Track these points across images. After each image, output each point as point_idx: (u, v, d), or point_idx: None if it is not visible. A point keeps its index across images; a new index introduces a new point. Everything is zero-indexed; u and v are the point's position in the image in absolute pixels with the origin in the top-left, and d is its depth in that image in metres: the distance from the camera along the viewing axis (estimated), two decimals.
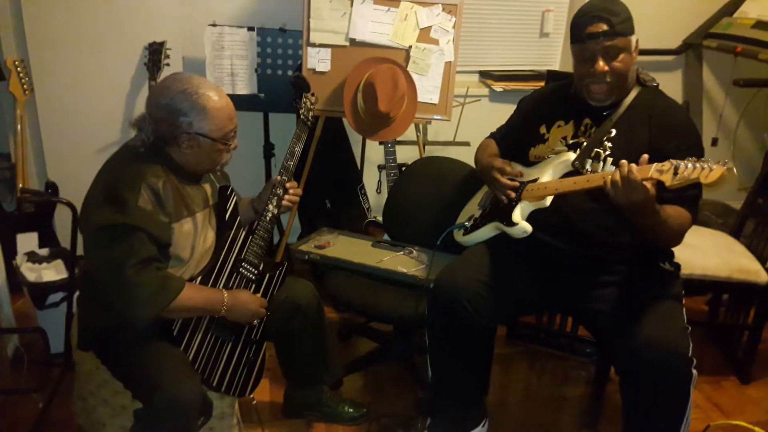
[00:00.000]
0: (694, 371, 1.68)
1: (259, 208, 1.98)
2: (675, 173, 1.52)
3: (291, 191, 2.00)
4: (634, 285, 1.86)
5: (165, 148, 1.70)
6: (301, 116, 2.15)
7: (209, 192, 1.85)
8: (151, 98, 1.70)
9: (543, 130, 2.01)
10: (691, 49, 3.62)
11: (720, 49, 3.32)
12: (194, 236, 1.75)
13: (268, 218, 1.95)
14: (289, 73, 2.91)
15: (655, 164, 1.57)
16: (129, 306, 1.61)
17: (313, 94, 2.24)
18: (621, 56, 1.80)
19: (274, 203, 1.96)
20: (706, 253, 2.47)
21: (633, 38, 1.81)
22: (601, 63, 1.80)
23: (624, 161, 1.60)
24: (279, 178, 1.98)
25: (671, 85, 3.71)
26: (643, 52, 1.91)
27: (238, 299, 1.80)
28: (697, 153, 1.80)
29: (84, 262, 1.82)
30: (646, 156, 1.61)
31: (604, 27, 1.77)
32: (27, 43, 2.73)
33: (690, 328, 1.76)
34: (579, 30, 1.82)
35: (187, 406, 1.59)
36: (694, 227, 1.83)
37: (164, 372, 1.62)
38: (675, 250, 1.94)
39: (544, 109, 2.05)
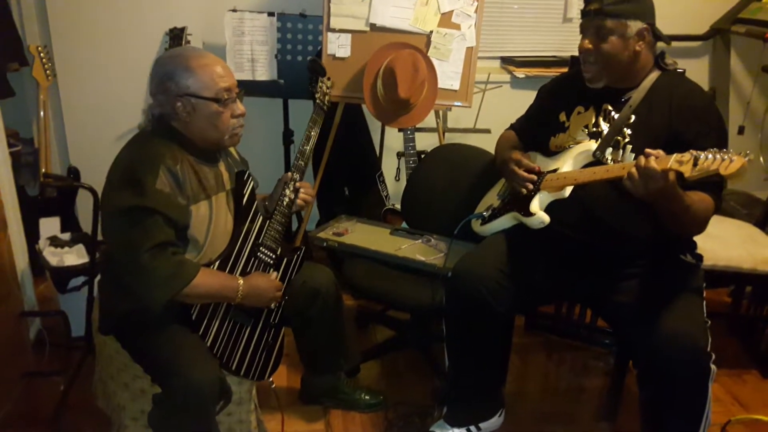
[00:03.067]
0: (713, 366, 1.65)
1: (270, 207, 1.97)
2: (695, 164, 1.49)
3: (302, 191, 1.98)
4: (653, 278, 1.84)
5: (171, 123, 1.71)
6: (317, 101, 2.14)
7: (225, 176, 1.85)
8: (150, 76, 1.72)
9: (563, 117, 1.98)
10: (719, 35, 3.54)
11: (748, 34, 3.25)
12: (209, 219, 1.76)
13: (285, 203, 1.95)
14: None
15: (674, 155, 1.53)
16: (144, 289, 1.62)
17: (328, 78, 2.23)
18: (611, 38, 1.78)
19: (291, 188, 1.96)
20: (730, 243, 2.42)
21: (632, 23, 1.77)
22: (585, 41, 1.83)
23: (641, 156, 1.57)
24: (290, 175, 1.97)
25: (698, 71, 3.64)
26: (669, 38, 1.87)
27: (254, 285, 1.80)
28: (719, 138, 1.77)
29: (104, 246, 1.83)
30: (661, 152, 1.57)
31: (596, 5, 1.79)
32: (50, 29, 2.75)
33: (709, 323, 1.74)
34: (582, 7, 1.86)
35: (205, 390, 1.61)
36: (718, 217, 1.80)
37: (182, 357, 1.63)
38: (698, 240, 1.90)
39: (563, 96, 2.02)
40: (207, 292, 1.71)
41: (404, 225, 2.62)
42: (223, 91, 1.69)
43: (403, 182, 2.79)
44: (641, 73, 1.86)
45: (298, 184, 1.98)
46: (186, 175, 1.68)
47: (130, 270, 1.63)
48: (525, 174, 1.95)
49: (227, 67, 1.73)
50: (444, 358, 2.05)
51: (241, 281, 1.77)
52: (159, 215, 1.60)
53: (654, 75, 1.85)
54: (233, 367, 1.80)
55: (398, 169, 3.32)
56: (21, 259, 2.43)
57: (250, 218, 1.87)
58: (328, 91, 2.20)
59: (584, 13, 1.84)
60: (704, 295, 1.84)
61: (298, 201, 1.98)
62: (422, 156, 2.81)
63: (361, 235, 2.42)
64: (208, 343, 1.75)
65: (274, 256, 1.92)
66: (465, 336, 1.96)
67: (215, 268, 1.77)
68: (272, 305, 1.90)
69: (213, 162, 1.81)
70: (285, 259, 1.96)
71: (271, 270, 1.92)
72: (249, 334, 1.86)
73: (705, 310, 1.78)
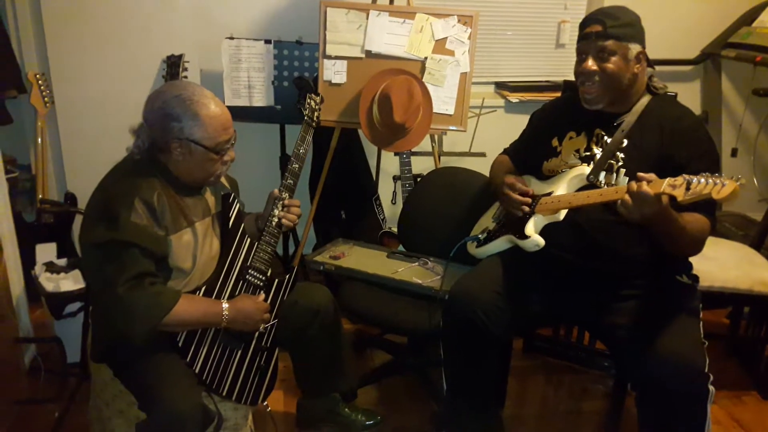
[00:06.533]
0: (711, 387, 1.65)
1: (261, 225, 1.96)
2: (687, 188, 1.51)
3: (292, 209, 1.98)
4: (650, 299, 1.84)
5: (159, 156, 1.70)
6: (306, 117, 2.14)
7: (211, 201, 1.85)
8: (148, 102, 1.70)
9: (555, 142, 2.00)
10: (710, 59, 3.58)
11: (739, 58, 3.29)
12: (194, 246, 1.75)
13: (273, 223, 1.94)
14: None
15: (667, 179, 1.55)
16: (123, 322, 1.62)
17: (318, 95, 2.23)
18: (613, 59, 1.81)
19: (279, 207, 1.96)
20: (727, 265, 2.43)
21: (632, 46, 1.81)
22: (589, 62, 1.84)
23: (633, 182, 1.58)
24: (277, 192, 1.97)
25: (690, 95, 3.67)
26: (661, 62, 1.91)
27: (240, 309, 1.78)
28: (711, 161, 1.79)
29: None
30: (653, 175, 1.59)
31: (598, 28, 1.82)
32: (48, 57, 2.77)
33: (707, 343, 1.73)
34: (579, 31, 1.89)
35: (185, 418, 1.59)
36: (714, 239, 1.81)
37: (164, 384, 1.62)
38: (694, 262, 1.91)
39: (555, 121, 2.05)
40: (189, 319, 1.69)
41: (401, 248, 2.63)
42: (224, 143, 1.71)
43: (400, 205, 2.80)
44: (634, 96, 1.88)
45: (287, 201, 1.98)
46: (164, 205, 1.67)
47: (109, 303, 1.63)
48: (519, 198, 1.96)
49: (229, 117, 1.73)
50: (442, 382, 2.04)
51: (225, 305, 1.75)
52: (135, 248, 1.60)
53: (645, 99, 1.88)
54: (224, 392, 1.79)
55: (394, 192, 3.33)
56: (16, 285, 2.42)
57: (237, 241, 1.87)
58: (317, 107, 2.19)
59: (584, 36, 1.86)
60: (701, 315, 1.84)
61: (284, 221, 1.96)
62: (418, 179, 2.83)
63: (358, 258, 2.42)
64: (197, 369, 1.73)
65: (263, 278, 1.91)
66: (462, 358, 1.95)
67: (201, 293, 1.76)
68: (261, 328, 1.89)
69: (196, 193, 1.81)
70: (276, 281, 1.95)
71: (260, 292, 1.91)
72: (240, 358, 1.85)
73: (702, 331, 1.78)
